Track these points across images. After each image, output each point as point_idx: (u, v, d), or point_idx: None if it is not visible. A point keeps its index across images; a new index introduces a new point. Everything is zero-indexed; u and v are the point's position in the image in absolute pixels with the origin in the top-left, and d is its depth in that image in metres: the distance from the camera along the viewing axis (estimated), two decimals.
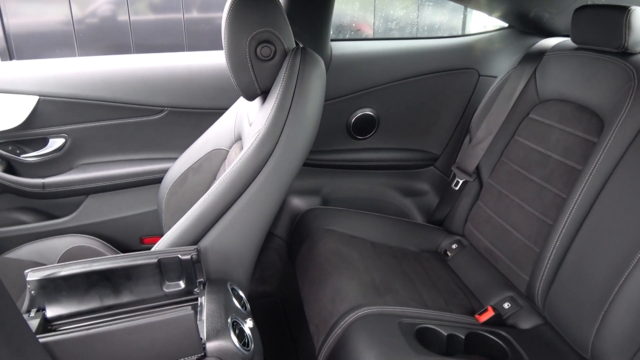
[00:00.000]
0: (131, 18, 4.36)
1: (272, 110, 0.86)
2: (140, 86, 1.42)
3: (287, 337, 1.41)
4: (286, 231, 1.58)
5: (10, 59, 3.97)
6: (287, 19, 0.95)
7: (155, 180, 1.46)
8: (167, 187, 1.25)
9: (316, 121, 0.91)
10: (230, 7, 0.90)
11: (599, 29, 1.05)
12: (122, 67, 1.43)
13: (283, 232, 1.58)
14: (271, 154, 0.86)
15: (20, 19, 4.04)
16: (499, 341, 0.95)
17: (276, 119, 0.86)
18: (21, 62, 1.44)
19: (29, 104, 1.34)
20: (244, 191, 0.87)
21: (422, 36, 1.62)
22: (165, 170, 1.36)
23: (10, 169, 1.41)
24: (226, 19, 0.91)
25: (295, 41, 0.99)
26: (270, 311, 1.53)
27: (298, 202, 1.61)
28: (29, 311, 0.73)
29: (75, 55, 4.19)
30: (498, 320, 1.05)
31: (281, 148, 0.86)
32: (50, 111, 1.37)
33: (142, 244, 1.54)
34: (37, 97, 1.35)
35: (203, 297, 0.78)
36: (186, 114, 1.48)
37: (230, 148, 1.18)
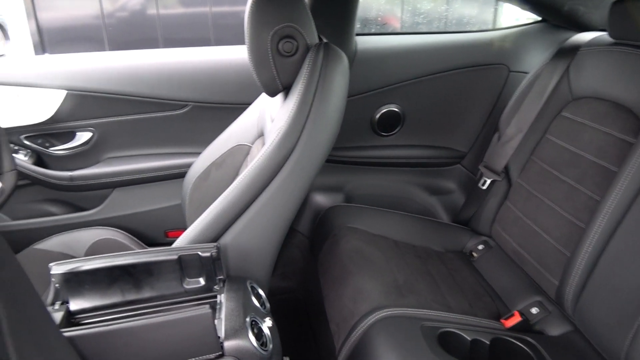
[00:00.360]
0: (160, 12, 4.41)
1: (293, 106, 0.85)
2: (165, 81, 1.42)
3: (308, 334, 1.40)
4: (309, 228, 1.57)
5: (43, 53, 4.07)
6: (310, 13, 0.93)
7: (180, 174, 1.48)
8: (191, 182, 1.25)
9: (339, 118, 0.89)
10: (253, 1, 0.89)
11: (638, 23, 1.00)
12: (147, 62, 1.44)
13: (306, 229, 1.57)
14: (292, 151, 0.84)
15: (53, 12, 4.14)
16: (526, 348, 0.91)
17: (298, 116, 0.84)
18: (50, 56, 1.47)
19: (57, 98, 1.37)
20: (265, 188, 0.86)
21: (450, 30, 1.59)
22: (189, 165, 1.37)
23: (40, 161, 1.44)
24: (248, 14, 0.89)
25: (318, 36, 0.98)
26: (291, 307, 1.52)
27: (321, 199, 1.60)
28: (53, 303, 0.74)
29: (105, 49, 4.27)
30: (525, 326, 1.02)
31: (302, 145, 0.85)
32: (78, 105, 1.39)
33: (167, 237, 1.56)
34: (65, 92, 1.37)
35: (222, 295, 0.78)
36: (210, 109, 1.48)
37: (252, 144, 1.17)
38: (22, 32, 4.02)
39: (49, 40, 4.15)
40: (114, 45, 4.34)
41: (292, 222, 1.54)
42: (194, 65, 1.45)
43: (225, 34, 4.48)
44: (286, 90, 0.97)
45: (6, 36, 1.55)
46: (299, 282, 1.58)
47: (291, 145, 0.85)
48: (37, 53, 4.08)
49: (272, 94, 0.98)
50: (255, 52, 0.91)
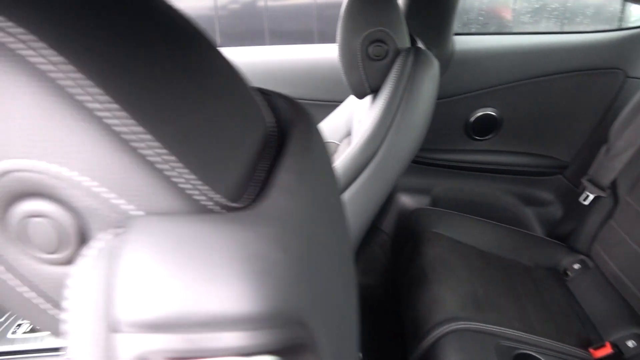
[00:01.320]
0: (268, 3, 4.59)
1: (378, 111, 0.85)
2: (265, 77, 1.50)
3: (381, 334, 1.41)
4: (393, 228, 1.57)
5: None
6: (402, 17, 0.92)
7: None
8: None
9: (424, 124, 0.88)
10: (347, 4, 0.90)
11: None
12: (249, 59, 1.53)
13: (389, 228, 1.57)
14: (374, 156, 0.85)
15: (171, 3, 4.49)
16: None
17: (382, 121, 0.85)
18: None
19: None
20: (345, 190, 0.88)
21: (558, 31, 1.48)
22: None
23: None
24: (342, 17, 0.91)
25: (412, 38, 0.96)
26: (369, 304, 1.54)
27: (407, 200, 1.58)
28: None
29: (216, 41, 4.54)
30: None
31: (385, 150, 0.85)
32: None
33: None
34: None
35: None
36: (306, 106, 1.53)
37: (340, 142, 1.19)
38: None
39: None
40: (224, 37, 4.60)
41: (376, 221, 1.54)
42: (292, 63, 1.51)
43: (329, 27, 4.54)
44: (375, 93, 0.97)
45: None
46: (379, 281, 1.59)
47: (374, 150, 0.85)
48: None
49: (360, 96, 0.99)
50: (345, 55, 0.93)
